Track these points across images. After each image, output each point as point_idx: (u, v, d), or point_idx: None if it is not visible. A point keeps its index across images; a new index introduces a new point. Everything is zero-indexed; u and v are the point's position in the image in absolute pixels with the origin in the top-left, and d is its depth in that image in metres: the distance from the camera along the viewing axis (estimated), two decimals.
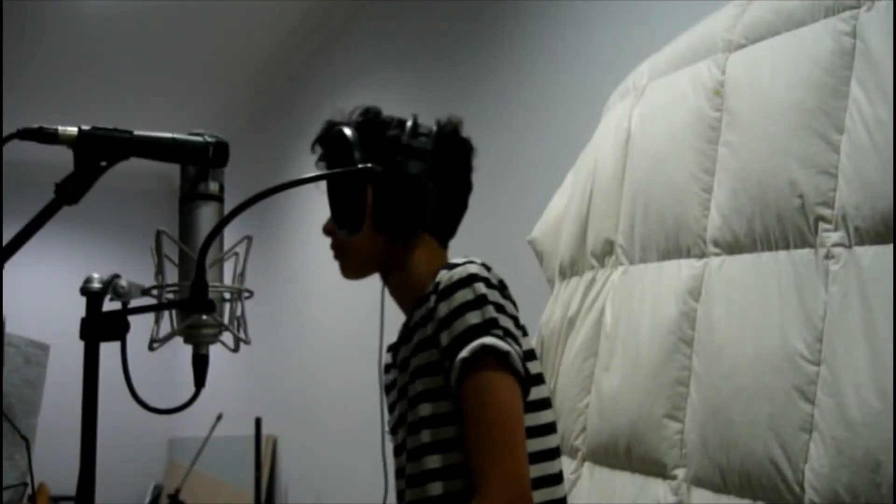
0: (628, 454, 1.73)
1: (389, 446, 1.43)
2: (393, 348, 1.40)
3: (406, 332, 1.33)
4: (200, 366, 1.04)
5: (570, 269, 2.04)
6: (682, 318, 1.66)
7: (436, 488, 1.22)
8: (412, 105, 3.88)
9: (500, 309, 1.21)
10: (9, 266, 0.91)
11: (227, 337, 1.05)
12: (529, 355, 1.26)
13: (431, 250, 1.38)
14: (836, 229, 1.42)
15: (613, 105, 2.05)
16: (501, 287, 1.25)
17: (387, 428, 1.43)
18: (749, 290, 1.55)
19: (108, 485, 2.28)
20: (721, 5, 1.79)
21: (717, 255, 1.64)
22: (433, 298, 1.24)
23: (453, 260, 1.28)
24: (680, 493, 1.60)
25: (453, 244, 1.42)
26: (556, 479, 1.27)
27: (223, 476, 5.03)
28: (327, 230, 1.40)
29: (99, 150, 0.95)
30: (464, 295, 1.20)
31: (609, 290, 1.88)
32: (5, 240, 0.90)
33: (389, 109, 1.35)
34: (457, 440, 1.21)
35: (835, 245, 1.42)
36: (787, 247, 1.51)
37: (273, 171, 4.99)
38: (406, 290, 1.36)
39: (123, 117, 1.96)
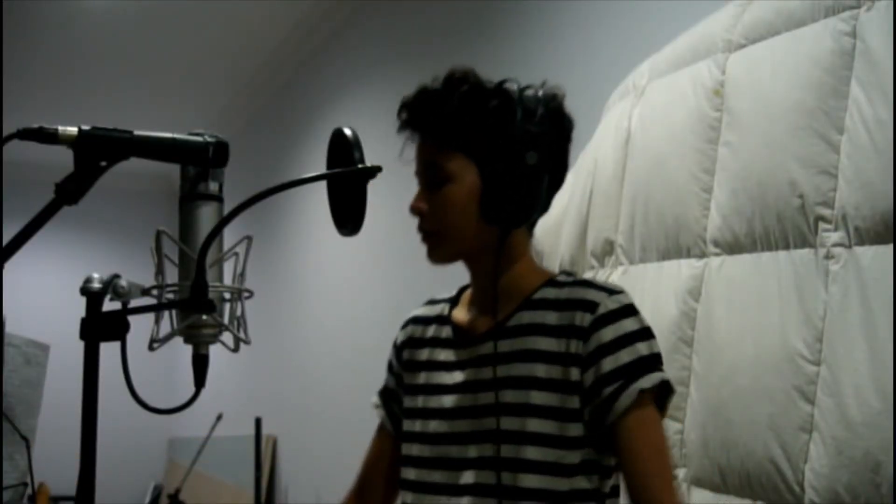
0: None
1: None
2: (458, 336, 1.31)
3: (504, 330, 1.24)
4: (200, 366, 1.04)
5: (570, 269, 2.04)
6: (682, 318, 1.66)
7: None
8: None
9: (658, 345, 1.20)
10: (9, 266, 0.91)
11: (227, 337, 1.05)
12: None
13: (524, 238, 1.29)
14: (836, 229, 1.42)
15: (613, 105, 2.05)
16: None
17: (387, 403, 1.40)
18: (749, 290, 1.55)
19: (108, 485, 2.28)
20: (721, 5, 1.79)
21: (717, 255, 1.64)
22: (587, 317, 1.18)
23: (598, 281, 1.26)
24: (680, 493, 1.60)
25: None
26: (616, 492, 1.26)
27: (223, 476, 5.03)
28: (418, 209, 1.27)
29: (99, 150, 0.95)
30: (632, 324, 1.18)
31: None
32: (5, 240, 0.90)
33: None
34: (559, 465, 1.16)
35: (835, 245, 1.42)
36: (787, 247, 1.51)
37: (273, 171, 4.99)
38: (507, 287, 1.25)
39: (123, 117, 1.96)
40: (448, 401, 1.26)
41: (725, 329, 1.57)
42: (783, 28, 1.59)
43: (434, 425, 1.27)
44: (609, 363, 1.16)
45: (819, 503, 1.36)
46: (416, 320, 1.40)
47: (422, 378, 1.33)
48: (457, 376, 1.27)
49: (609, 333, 1.16)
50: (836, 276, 1.41)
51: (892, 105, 1.36)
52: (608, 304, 1.18)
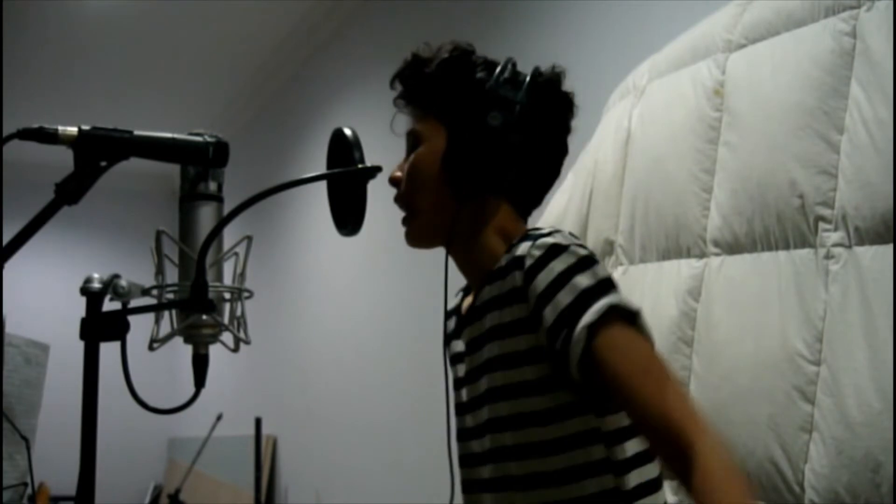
0: None
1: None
2: (460, 322, 1.27)
3: (473, 311, 1.19)
4: (200, 366, 1.04)
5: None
6: (681, 318, 1.66)
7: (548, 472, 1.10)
8: None
9: (608, 274, 1.08)
10: (9, 266, 0.91)
11: (227, 337, 1.05)
12: None
13: (509, 220, 1.21)
14: (836, 229, 1.42)
15: (613, 105, 2.05)
16: (592, 253, 1.10)
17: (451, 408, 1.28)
18: (749, 290, 1.55)
19: (108, 485, 2.28)
20: (721, 5, 1.79)
21: (716, 255, 1.64)
22: (518, 275, 1.09)
23: (532, 231, 1.13)
24: (680, 493, 1.60)
25: None
26: (658, 484, 1.15)
27: (223, 476, 5.03)
28: (393, 177, 1.23)
29: (99, 150, 0.95)
30: (565, 260, 1.06)
31: None
32: (5, 240, 0.90)
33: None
34: (543, 443, 1.08)
35: (835, 245, 1.42)
36: (787, 247, 1.51)
37: (273, 171, 4.99)
38: (473, 263, 1.21)
39: (123, 117, 1.96)
40: (463, 394, 1.24)
41: (725, 329, 1.57)
42: (783, 28, 1.59)
43: (459, 421, 1.24)
44: (550, 313, 1.05)
45: (819, 503, 1.36)
46: (448, 314, 1.35)
47: (453, 375, 1.30)
48: (463, 368, 1.25)
49: (541, 282, 1.06)
50: (836, 276, 1.41)
51: (892, 105, 1.36)
52: (533, 252, 1.08)
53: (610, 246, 1.90)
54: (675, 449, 0.97)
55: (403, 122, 1.27)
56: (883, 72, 1.39)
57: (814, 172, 1.46)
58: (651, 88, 1.90)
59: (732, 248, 1.61)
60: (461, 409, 1.24)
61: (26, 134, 0.91)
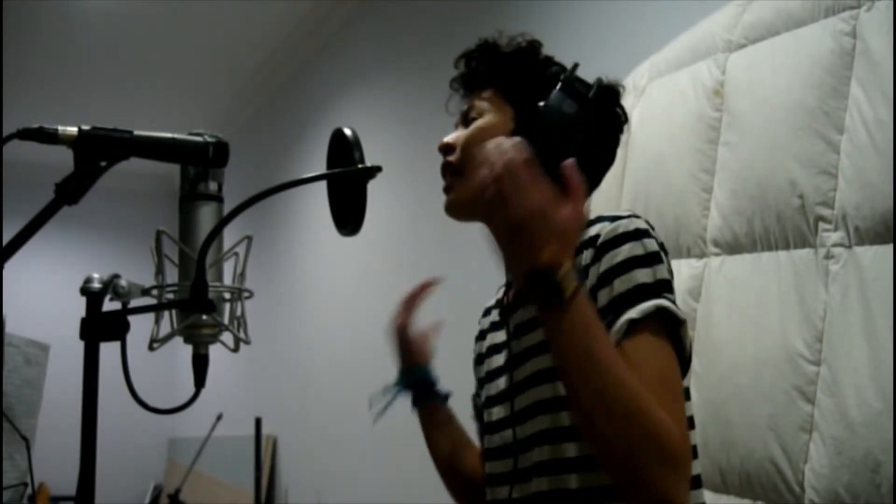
0: None
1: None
2: (502, 313, 1.24)
3: (523, 295, 1.16)
4: (200, 366, 1.04)
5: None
6: None
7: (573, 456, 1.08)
8: (412, 104, 3.89)
9: (670, 272, 1.07)
10: (9, 266, 0.91)
11: (227, 337, 1.05)
12: None
13: None
14: (836, 229, 1.42)
15: None
16: (666, 253, 1.09)
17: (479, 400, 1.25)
18: (749, 290, 1.55)
19: (108, 485, 2.28)
20: (721, 5, 1.79)
21: (717, 255, 1.64)
22: (588, 253, 1.07)
23: (610, 213, 1.10)
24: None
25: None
26: (700, 482, 1.13)
27: (223, 476, 5.03)
28: (444, 144, 1.21)
29: (99, 150, 0.95)
30: (632, 249, 1.04)
31: None
32: (5, 240, 0.90)
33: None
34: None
35: (835, 245, 1.42)
36: (787, 247, 1.51)
37: (273, 171, 4.99)
38: None
39: (123, 117, 1.96)
40: (501, 383, 1.21)
41: (725, 329, 1.57)
42: (783, 28, 1.59)
43: (496, 412, 1.21)
44: (603, 297, 1.04)
45: (819, 503, 1.36)
46: (485, 311, 1.33)
47: (483, 369, 1.28)
48: (502, 357, 1.22)
49: (605, 264, 1.05)
50: (836, 276, 1.41)
51: (892, 105, 1.36)
52: (608, 232, 1.06)
53: None
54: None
55: (457, 102, 1.27)
56: (883, 72, 1.39)
57: (814, 172, 1.46)
58: (651, 88, 1.90)
59: (732, 248, 1.61)
60: (494, 400, 1.21)
61: (26, 134, 0.91)
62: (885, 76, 1.38)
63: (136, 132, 0.97)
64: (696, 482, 1.13)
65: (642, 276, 1.04)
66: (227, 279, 1.07)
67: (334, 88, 4.31)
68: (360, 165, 1.06)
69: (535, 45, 1.25)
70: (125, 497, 6.36)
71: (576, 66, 1.16)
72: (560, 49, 1.17)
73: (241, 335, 1.05)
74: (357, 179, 1.07)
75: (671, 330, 1.04)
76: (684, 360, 1.08)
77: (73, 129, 0.93)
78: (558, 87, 1.10)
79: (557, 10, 2.61)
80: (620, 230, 1.06)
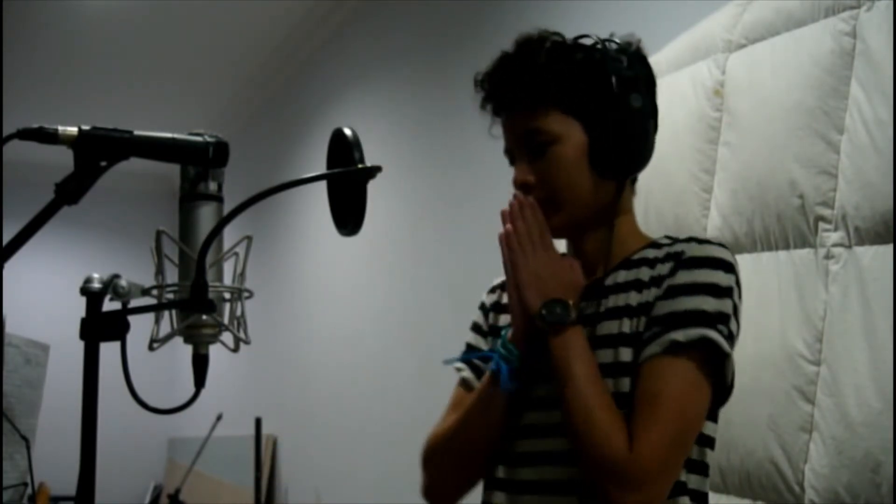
0: None
1: None
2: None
3: (594, 289, 1.18)
4: (200, 366, 1.04)
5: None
6: None
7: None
8: (411, 104, 3.88)
9: (735, 310, 1.10)
10: (9, 266, 0.91)
11: (227, 337, 1.05)
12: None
13: (630, 194, 1.24)
14: (836, 229, 1.42)
15: None
16: (741, 289, 1.13)
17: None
18: (749, 290, 1.55)
19: (108, 485, 2.28)
20: (721, 5, 1.79)
21: None
22: (669, 266, 1.11)
23: (702, 236, 1.16)
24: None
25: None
26: (706, 498, 1.16)
27: (223, 476, 5.03)
28: (525, 181, 1.19)
29: (99, 150, 0.95)
30: (709, 276, 1.08)
31: None
32: (5, 240, 0.90)
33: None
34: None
35: (835, 245, 1.42)
36: (787, 247, 1.51)
37: (273, 171, 4.99)
38: (602, 247, 1.20)
39: (123, 117, 1.96)
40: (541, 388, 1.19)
41: None
42: (783, 28, 1.59)
43: (521, 418, 1.20)
44: (662, 307, 1.09)
45: (819, 503, 1.36)
46: (503, 286, 1.31)
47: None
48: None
49: (681, 278, 1.09)
50: (836, 276, 1.41)
51: (892, 105, 1.36)
52: (694, 251, 1.11)
53: None
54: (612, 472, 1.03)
55: (496, 124, 1.23)
56: (883, 72, 1.39)
57: (814, 172, 1.46)
58: None
59: (732, 248, 1.61)
60: (531, 404, 1.19)
61: (26, 134, 0.91)
62: (885, 76, 1.38)
63: (136, 132, 0.97)
64: (703, 499, 1.15)
65: (705, 303, 1.07)
66: (227, 279, 1.07)
67: (334, 88, 4.31)
68: (360, 165, 1.06)
69: (561, 41, 1.21)
70: (125, 497, 6.36)
71: (606, 47, 1.17)
72: None
73: (241, 335, 1.05)
74: (357, 179, 1.07)
75: (714, 361, 1.08)
76: (724, 391, 1.13)
77: (73, 129, 0.93)
78: (614, 82, 1.14)
79: (557, 10, 2.61)
80: (706, 254, 1.10)
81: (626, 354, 1.11)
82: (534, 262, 1.15)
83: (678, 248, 1.13)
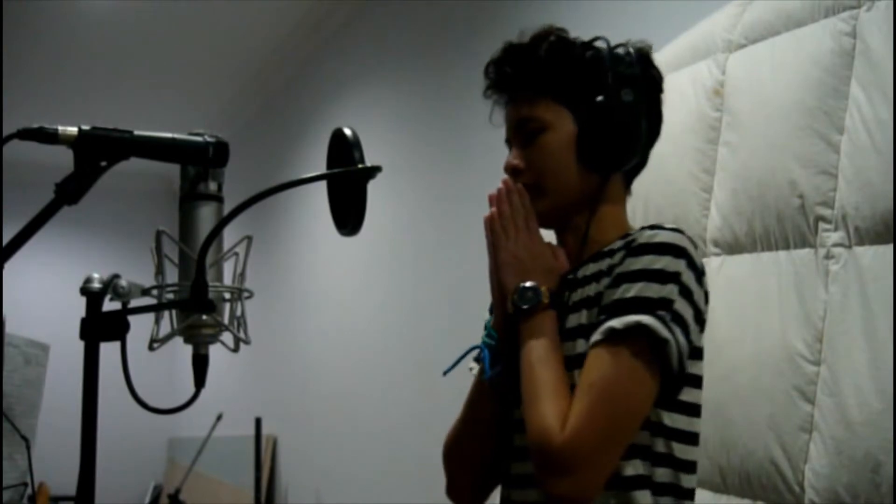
0: None
1: None
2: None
3: (567, 281, 1.19)
4: (200, 366, 1.04)
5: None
6: None
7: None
8: (411, 105, 3.88)
9: (685, 293, 1.07)
10: (9, 266, 0.91)
11: (227, 337, 1.05)
12: (696, 353, 1.12)
13: (620, 189, 1.24)
14: (836, 229, 1.42)
15: None
16: (700, 273, 1.11)
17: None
18: (749, 290, 1.55)
19: (108, 485, 2.28)
20: (721, 5, 1.79)
21: (716, 255, 1.64)
22: (620, 256, 1.11)
23: (661, 224, 1.14)
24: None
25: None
26: (693, 494, 1.14)
27: (223, 476, 5.03)
28: (512, 165, 1.21)
29: (99, 150, 0.95)
30: (655, 261, 1.07)
31: None
32: (5, 240, 0.90)
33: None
34: None
35: (835, 245, 1.42)
36: (787, 247, 1.51)
37: (273, 171, 4.99)
38: (581, 238, 1.21)
39: (123, 117, 1.96)
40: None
41: (725, 329, 1.57)
42: (783, 28, 1.59)
43: (512, 414, 1.21)
44: (610, 296, 1.09)
45: (819, 503, 1.36)
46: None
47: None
48: None
49: (626, 266, 1.09)
50: (836, 276, 1.41)
51: (892, 105, 1.36)
52: (643, 238, 1.10)
53: None
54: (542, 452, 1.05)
55: (499, 112, 1.26)
56: (883, 72, 1.39)
57: (814, 172, 1.46)
58: None
59: (732, 248, 1.61)
60: (520, 426, 1.18)
61: (26, 134, 0.91)
62: (885, 76, 1.38)
63: (136, 132, 0.98)
64: (689, 495, 1.13)
65: (648, 289, 1.06)
66: (227, 279, 1.07)
67: (334, 88, 4.31)
68: (360, 165, 1.06)
69: (565, 37, 1.24)
70: (125, 497, 6.35)
71: (613, 48, 1.19)
72: None
73: (241, 335, 1.05)
74: (357, 179, 1.07)
75: (656, 348, 1.05)
76: (672, 379, 1.08)
77: (73, 129, 0.93)
78: (609, 77, 1.16)
79: (557, 10, 2.61)
80: (653, 240, 1.09)
81: (582, 346, 1.11)
82: (515, 245, 1.18)
83: (634, 236, 1.13)
